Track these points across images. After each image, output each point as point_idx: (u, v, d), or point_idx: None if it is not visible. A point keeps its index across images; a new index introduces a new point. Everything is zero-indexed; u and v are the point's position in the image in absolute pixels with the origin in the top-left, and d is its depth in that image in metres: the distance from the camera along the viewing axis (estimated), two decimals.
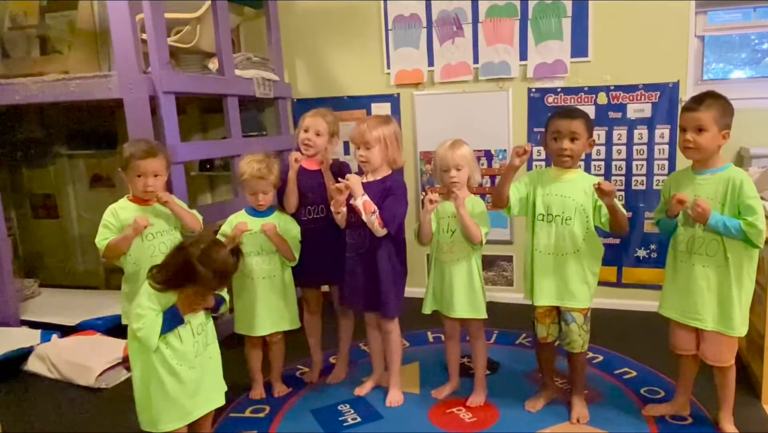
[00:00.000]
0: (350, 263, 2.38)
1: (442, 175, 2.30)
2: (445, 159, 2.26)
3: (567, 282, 2.14)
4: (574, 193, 2.12)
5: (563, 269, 2.14)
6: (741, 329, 1.97)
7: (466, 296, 2.30)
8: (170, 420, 1.85)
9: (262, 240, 2.37)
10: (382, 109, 3.61)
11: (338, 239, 2.41)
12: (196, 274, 1.75)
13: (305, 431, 2.26)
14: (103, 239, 2.26)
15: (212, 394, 1.96)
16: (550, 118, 2.18)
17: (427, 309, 2.40)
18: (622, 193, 3.30)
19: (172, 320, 1.81)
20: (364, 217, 2.20)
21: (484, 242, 2.28)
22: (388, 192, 2.28)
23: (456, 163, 2.24)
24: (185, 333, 1.84)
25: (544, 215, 2.16)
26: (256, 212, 2.41)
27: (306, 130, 2.47)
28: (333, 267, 2.48)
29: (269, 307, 2.40)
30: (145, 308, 1.79)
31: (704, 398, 2.26)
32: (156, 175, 2.25)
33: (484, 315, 2.32)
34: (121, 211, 2.28)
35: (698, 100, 1.94)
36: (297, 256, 2.44)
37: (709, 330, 1.99)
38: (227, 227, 2.38)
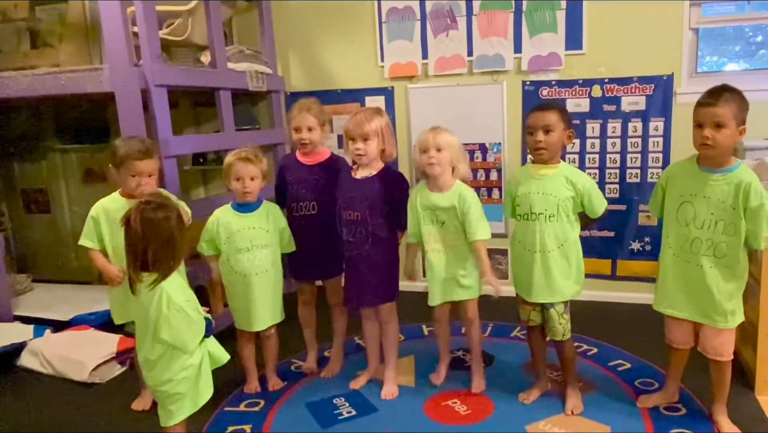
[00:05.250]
0: (353, 262, 2.35)
1: (421, 158, 2.24)
2: (425, 141, 2.23)
3: (552, 279, 2.14)
4: (554, 189, 2.12)
5: (548, 266, 2.13)
6: (741, 316, 1.99)
7: (462, 279, 2.29)
8: (205, 391, 1.87)
9: (252, 236, 2.35)
10: (376, 102, 3.60)
11: (331, 235, 2.40)
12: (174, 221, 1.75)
13: (300, 424, 2.25)
14: (85, 239, 2.28)
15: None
16: (527, 115, 2.19)
17: (435, 301, 2.33)
18: (617, 186, 3.31)
19: (209, 328, 1.84)
20: None
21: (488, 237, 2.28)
22: (393, 189, 2.28)
23: (436, 143, 2.20)
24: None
25: (528, 214, 2.15)
26: (241, 207, 2.37)
27: (298, 130, 2.44)
28: (326, 263, 2.49)
29: (263, 302, 2.38)
30: (195, 314, 1.78)
31: (695, 388, 2.27)
32: (150, 175, 2.24)
33: (477, 294, 2.33)
34: (110, 204, 2.27)
35: (716, 95, 1.86)
36: (291, 245, 2.44)
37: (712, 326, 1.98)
38: (213, 226, 2.36)
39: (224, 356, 1.93)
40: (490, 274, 2.23)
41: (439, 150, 2.20)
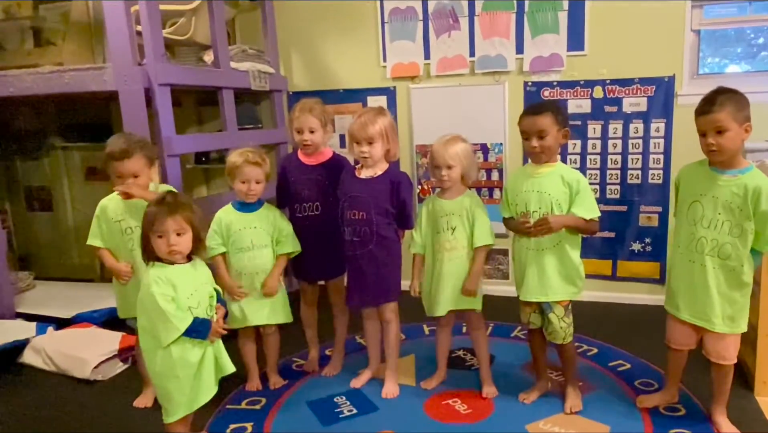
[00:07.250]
0: (356, 262, 2.35)
1: (434, 171, 2.29)
2: (437, 156, 2.25)
3: (547, 277, 2.14)
4: (550, 187, 2.12)
5: (542, 265, 2.14)
6: (744, 325, 1.99)
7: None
8: (204, 393, 1.88)
9: (253, 236, 2.35)
10: (378, 102, 3.61)
11: (334, 235, 2.40)
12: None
13: (301, 422, 2.26)
14: (93, 238, 2.30)
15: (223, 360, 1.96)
16: (519, 117, 2.18)
17: (440, 311, 2.32)
18: (618, 187, 3.31)
19: (199, 330, 1.81)
20: None
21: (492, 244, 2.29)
22: (399, 189, 2.29)
23: (447, 162, 2.22)
24: (199, 313, 1.83)
25: (524, 212, 2.15)
26: (243, 206, 2.38)
27: (299, 131, 2.44)
28: (329, 263, 2.50)
29: (262, 300, 2.39)
30: (172, 306, 1.77)
31: (695, 389, 2.28)
32: (135, 176, 2.19)
33: (480, 306, 2.33)
34: (108, 203, 2.29)
35: (711, 101, 1.86)
36: (297, 246, 2.43)
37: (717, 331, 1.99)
38: (215, 225, 2.37)
39: (229, 367, 1.94)
40: (473, 281, 2.25)
41: (450, 167, 2.22)
